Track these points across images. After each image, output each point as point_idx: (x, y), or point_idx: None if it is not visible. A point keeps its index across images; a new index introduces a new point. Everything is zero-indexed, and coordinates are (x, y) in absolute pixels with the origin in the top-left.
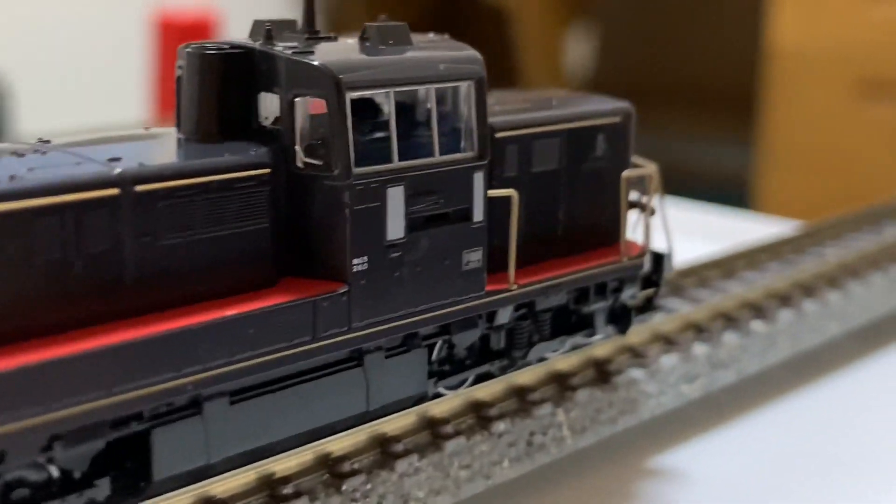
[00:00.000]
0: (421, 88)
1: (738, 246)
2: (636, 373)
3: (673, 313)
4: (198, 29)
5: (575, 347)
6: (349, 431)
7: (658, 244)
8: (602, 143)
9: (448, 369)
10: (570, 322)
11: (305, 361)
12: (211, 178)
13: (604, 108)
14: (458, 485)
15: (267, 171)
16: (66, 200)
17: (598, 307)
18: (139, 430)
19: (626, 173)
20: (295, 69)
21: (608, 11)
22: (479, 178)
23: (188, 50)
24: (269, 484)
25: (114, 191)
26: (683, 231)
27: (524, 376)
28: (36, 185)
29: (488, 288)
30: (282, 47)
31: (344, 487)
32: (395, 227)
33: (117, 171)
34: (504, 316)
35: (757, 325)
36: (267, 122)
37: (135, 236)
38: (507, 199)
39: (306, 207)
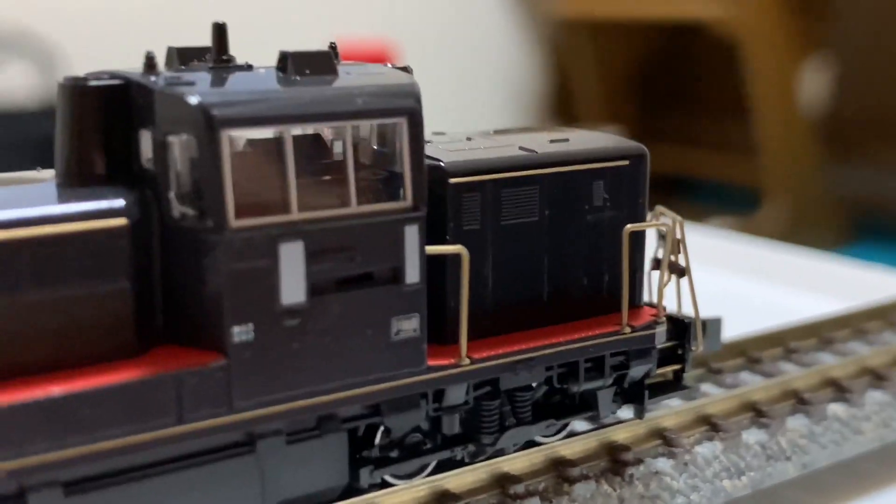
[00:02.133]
0: (330, 125)
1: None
2: (662, 463)
3: (730, 391)
4: (374, 59)
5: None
6: None
7: (688, 311)
8: (601, 190)
9: (396, 455)
10: (565, 403)
11: (171, 447)
12: (44, 231)
13: (604, 149)
14: None
15: (123, 221)
16: None
17: (597, 386)
18: None
19: (628, 227)
20: (166, 103)
21: (847, 43)
22: (412, 232)
23: (60, 82)
24: None
25: None
26: None
27: (512, 463)
28: None
29: (431, 362)
30: (162, 78)
31: None
32: (293, 290)
33: None
34: (455, 396)
35: (836, 409)
36: (149, 165)
37: None
38: (457, 256)
39: (181, 265)
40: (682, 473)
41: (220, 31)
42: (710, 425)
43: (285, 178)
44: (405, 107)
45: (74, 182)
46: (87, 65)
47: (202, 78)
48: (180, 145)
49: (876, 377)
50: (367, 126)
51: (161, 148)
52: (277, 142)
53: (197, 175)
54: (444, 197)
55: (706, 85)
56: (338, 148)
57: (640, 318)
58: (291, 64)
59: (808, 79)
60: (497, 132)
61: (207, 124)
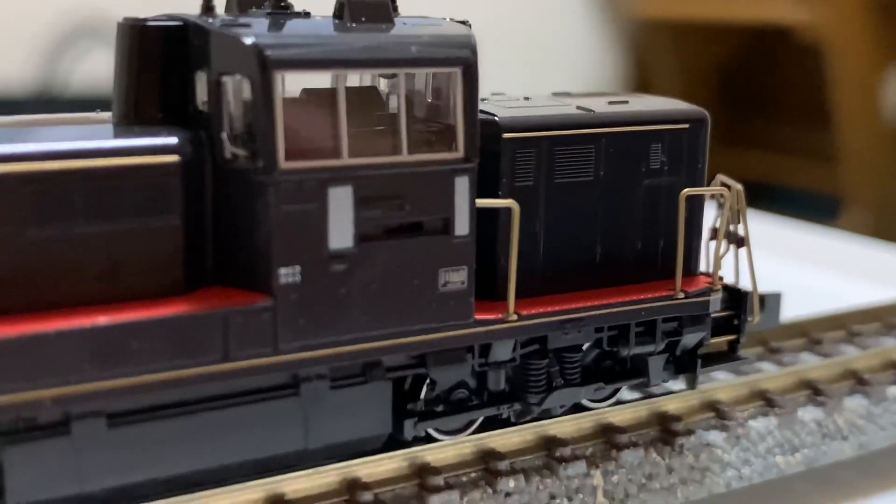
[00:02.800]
0: (383, 72)
1: None
2: (713, 436)
3: (788, 367)
4: None
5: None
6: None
7: (746, 281)
8: (660, 153)
9: (441, 410)
10: (615, 368)
11: (216, 385)
12: (97, 164)
13: (663, 111)
14: None
15: (175, 158)
16: None
17: (648, 351)
18: None
19: (685, 191)
20: (221, 44)
21: None
22: (462, 183)
23: (119, 22)
24: None
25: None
26: None
27: (560, 426)
28: None
29: (478, 316)
30: (219, 20)
31: None
32: (341, 235)
33: None
34: (502, 352)
35: None
36: (204, 106)
37: None
38: (508, 211)
39: (232, 206)
40: (733, 447)
41: None
42: (766, 400)
43: (337, 123)
44: (460, 56)
45: (130, 122)
46: None
47: (259, 22)
48: (234, 86)
49: None
50: (421, 75)
51: (215, 88)
52: (331, 88)
53: (249, 116)
54: (498, 152)
55: (788, 90)
56: (393, 101)
57: (694, 285)
58: (348, 11)
59: (893, 86)
60: (556, 94)
61: (261, 65)
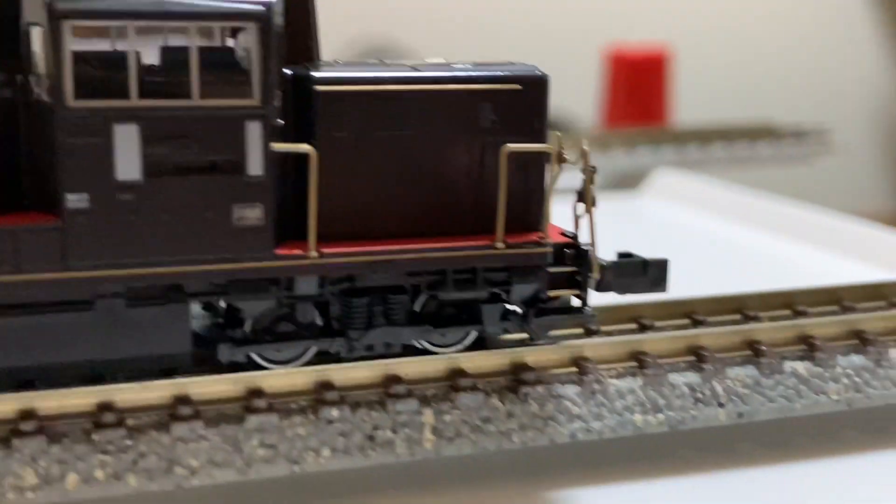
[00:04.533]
0: (175, 24)
1: None
2: (567, 389)
3: (674, 332)
4: (649, 63)
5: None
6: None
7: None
8: (490, 112)
9: (265, 339)
10: (451, 314)
11: (10, 294)
12: None
13: (494, 74)
14: (249, 463)
15: None
16: None
17: (470, 298)
18: None
19: (507, 147)
20: (33, 0)
21: None
22: (255, 128)
23: None
24: None
25: None
26: None
27: (405, 366)
28: None
29: (280, 252)
30: None
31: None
32: (128, 168)
33: None
34: (306, 287)
35: (802, 367)
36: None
37: None
38: (304, 157)
39: (38, 139)
40: (587, 401)
41: None
42: (638, 362)
43: (126, 68)
44: (254, 12)
45: None
46: None
47: None
48: (39, 35)
49: (860, 342)
50: (216, 28)
51: (25, 37)
52: (122, 36)
53: (47, 61)
54: (311, 104)
55: None
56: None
57: (523, 240)
58: None
59: None
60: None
61: (50, 14)
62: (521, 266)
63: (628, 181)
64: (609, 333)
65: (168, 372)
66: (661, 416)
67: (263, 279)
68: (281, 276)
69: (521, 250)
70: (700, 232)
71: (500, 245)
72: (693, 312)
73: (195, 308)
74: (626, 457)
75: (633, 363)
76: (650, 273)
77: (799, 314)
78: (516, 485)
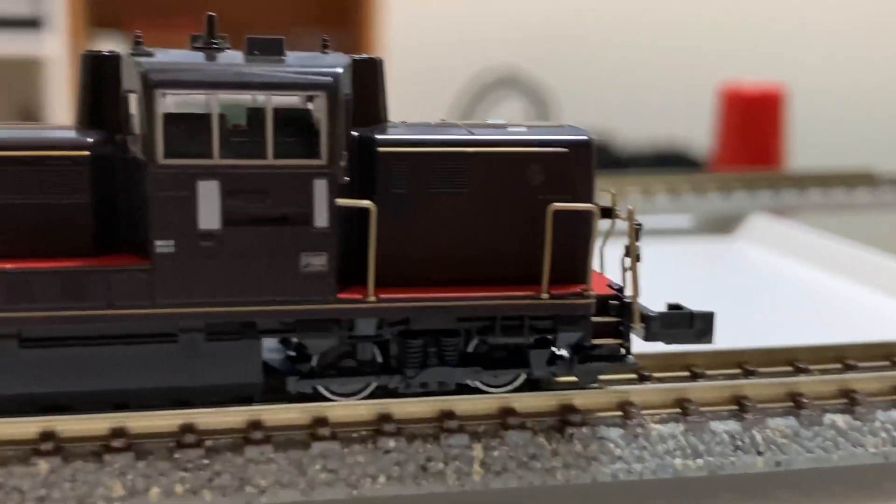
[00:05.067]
0: (253, 95)
1: None
2: (610, 432)
3: (716, 382)
4: (764, 102)
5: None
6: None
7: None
8: (538, 173)
9: (330, 373)
10: (500, 357)
11: (103, 326)
12: (21, 153)
13: (541, 138)
14: (312, 485)
15: (85, 152)
16: None
17: (516, 343)
18: None
19: (553, 205)
20: (128, 69)
21: None
22: (321, 185)
23: (82, 53)
24: None
25: None
26: None
27: (460, 403)
28: None
29: (342, 296)
30: (136, 52)
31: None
32: (209, 218)
33: None
34: (365, 327)
35: (841, 419)
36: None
37: None
38: (365, 212)
39: (133, 191)
40: (629, 444)
41: (210, 20)
42: (682, 409)
43: (210, 131)
44: (323, 83)
45: (84, 126)
46: (571, 102)
47: (167, 53)
48: (134, 100)
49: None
50: (288, 98)
51: (123, 102)
52: (208, 105)
53: (141, 124)
54: (373, 164)
55: None
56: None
57: (566, 291)
58: (247, 46)
59: None
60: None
61: (144, 84)
62: (565, 315)
63: (723, 225)
64: (661, 380)
65: (243, 400)
66: (700, 462)
67: (326, 320)
68: (342, 317)
69: (564, 301)
70: (792, 279)
71: (545, 296)
72: (744, 363)
73: (272, 343)
74: (667, 498)
75: (677, 410)
76: (696, 325)
77: (849, 368)
78: None
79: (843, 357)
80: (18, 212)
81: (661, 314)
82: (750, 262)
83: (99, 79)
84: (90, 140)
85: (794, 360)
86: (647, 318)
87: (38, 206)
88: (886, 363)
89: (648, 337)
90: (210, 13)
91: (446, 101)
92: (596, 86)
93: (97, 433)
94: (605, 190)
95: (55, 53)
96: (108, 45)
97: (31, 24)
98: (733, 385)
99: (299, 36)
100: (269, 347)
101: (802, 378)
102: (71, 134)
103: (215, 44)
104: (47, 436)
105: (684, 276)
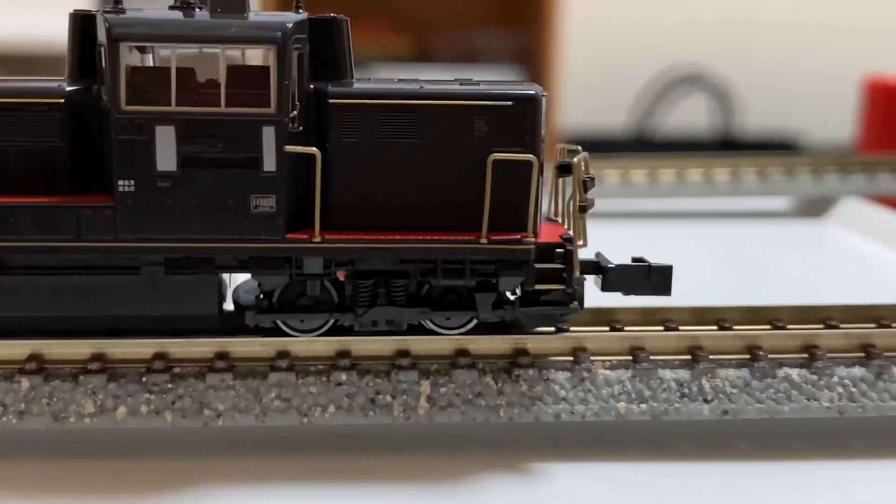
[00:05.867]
0: (208, 47)
1: None
2: (558, 375)
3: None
4: None
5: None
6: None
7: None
8: (483, 125)
9: (288, 309)
10: (449, 299)
11: (70, 257)
12: (3, 101)
13: (490, 91)
14: (266, 412)
15: (60, 100)
16: None
17: (457, 285)
18: None
19: (493, 156)
20: (101, 25)
21: None
22: (269, 132)
23: (71, 13)
24: None
25: None
26: None
27: (416, 343)
28: None
29: (290, 236)
30: (107, 10)
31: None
32: (166, 161)
33: None
34: (313, 266)
35: (792, 372)
36: None
37: None
38: (312, 157)
39: (104, 136)
40: (574, 387)
41: None
42: (633, 356)
43: (169, 81)
44: (273, 37)
45: (72, 79)
46: (753, 98)
47: (139, 10)
48: (103, 52)
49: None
50: (240, 51)
51: (98, 55)
52: (165, 54)
53: (107, 74)
54: (326, 114)
55: None
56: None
57: (507, 237)
58: (211, 4)
59: None
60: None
61: (109, 37)
62: (505, 259)
63: (815, 208)
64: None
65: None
66: (643, 406)
67: (277, 258)
68: (290, 255)
69: (502, 246)
70: (879, 265)
71: (483, 241)
72: (723, 320)
73: (252, 284)
74: (612, 441)
75: (629, 357)
76: (654, 277)
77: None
78: (499, 455)
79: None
80: (2, 154)
81: (618, 266)
82: (839, 246)
83: (83, 35)
84: (67, 89)
85: (827, 318)
86: (604, 270)
87: (21, 149)
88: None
89: (605, 287)
90: None
91: (627, 98)
92: (781, 84)
93: (78, 357)
94: (569, 147)
95: None
96: None
97: None
98: (690, 335)
99: (482, 34)
100: (248, 288)
101: (763, 331)
102: (51, 84)
103: (190, 4)
104: (33, 357)
105: (771, 257)
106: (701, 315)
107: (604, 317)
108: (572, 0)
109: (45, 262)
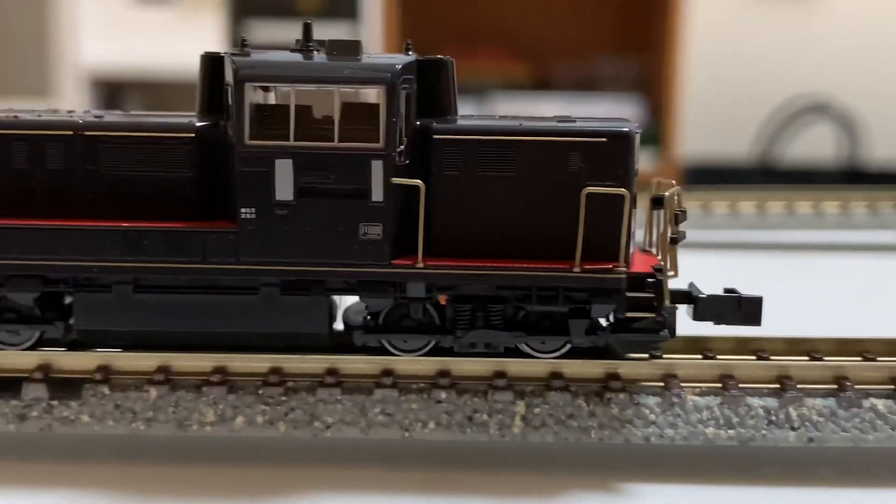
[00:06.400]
0: (322, 87)
1: None
2: (648, 400)
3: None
4: None
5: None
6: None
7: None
8: (578, 160)
9: (384, 327)
10: (544, 325)
11: (197, 278)
12: (140, 135)
13: (584, 128)
14: (370, 425)
15: (190, 135)
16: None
17: (550, 311)
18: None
19: (586, 189)
20: (228, 66)
21: None
22: (377, 165)
23: (202, 55)
24: None
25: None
26: None
27: (514, 365)
28: None
29: (395, 262)
30: (234, 53)
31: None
32: (284, 190)
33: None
34: (415, 290)
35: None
36: None
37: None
38: (416, 189)
39: (228, 168)
40: (664, 411)
41: (306, 27)
42: (722, 383)
43: (288, 118)
44: (383, 79)
45: (203, 115)
46: (881, 128)
47: (263, 53)
48: (229, 91)
49: None
50: (353, 90)
51: (224, 93)
52: (284, 92)
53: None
54: (430, 148)
55: None
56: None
57: (599, 266)
58: (326, 47)
59: None
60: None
61: (236, 77)
62: (597, 288)
63: None
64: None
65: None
66: (731, 432)
67: (382, 282)
68: (395, 280)
69: (594, 275)
70: None
71: (576, 269)
72: (814, 350)
73: (361, 306)
74: (699, 464)
75: (718, 384)
76: (744, 308)
77: None
78: (589, 474)
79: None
80: (137, 182)
81: (709, 296)
82: None
83: (212, 75)
84: (197, 125)
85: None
86: (695, 299)
87: (154, 178)
88: None
89: (696, 316)
90: (307, 21)
91: (750, 128)
92: None
93: (201, 369)
94: (665, 181)
95: None
96: None
97: None
98: (779, 365)
99: (602, 62)
100: (357, 310)
101: (851, 363)
102: (183, 120)
103: (310, 47)
104: (161, 369)
105: (876, 290)
106: (793, 345)
107: (697, 345)
108: (694, 27)
109: (173, 282)
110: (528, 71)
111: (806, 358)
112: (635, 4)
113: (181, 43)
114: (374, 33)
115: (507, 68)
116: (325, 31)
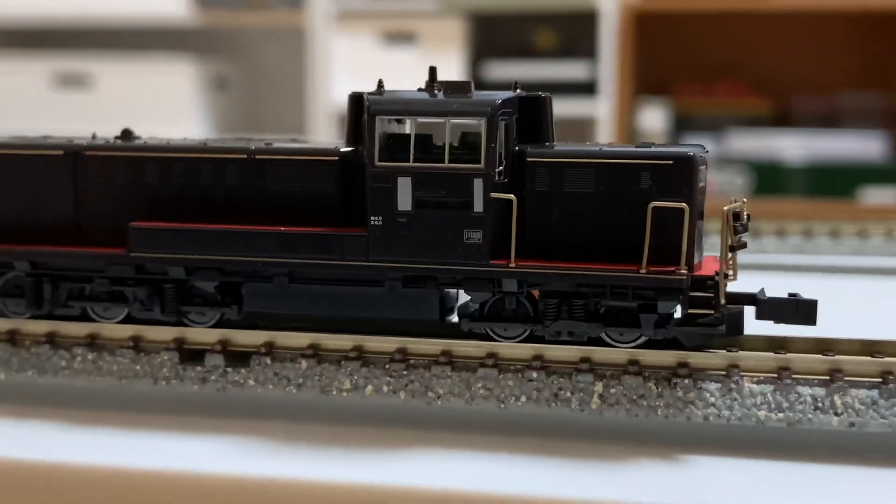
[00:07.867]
0: (437, 120)
1: None
2: (710, 385)
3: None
4: None
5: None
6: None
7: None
8: (648, 179)
9: (486, 315)
10: (620, 318)
11: (337, 272)
12: (296, 158)
13: (653, 151)
14: (473, 397)
15: (335, 158)
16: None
17: (622, 307)
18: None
19: (652, 203)
20: (365, 102)
21: None
22: (479, 183)
23: (349, 94)
24: None
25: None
26: None
27: (599, 353)
28: None
29: (493, 262)
30: (371, 92)
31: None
32: (404, 203)
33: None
34: (509, 286)
35: None
36: None
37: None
38: (510, 202)
39: (361, 184)
40: (723, 395)
41: (432, 71)
42: (778, 374)
43: (409, 144)
44: (483, 112)
45: (345, 144)
46: None
47: (394, 92)
48: (365, 123)
49: None
50: (460, 122)
51: (362, 125)
52: (408, 126)
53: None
54: (523, 169)
55: None
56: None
57: (663, 269)
58: (443, 87)
59: None
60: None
61: (369, 112)
62: (661, 287)
63: None
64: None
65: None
66: (780, 415)
67: (482, 278)
68: (492, 276)
69: (657, 276)
70: None
71: (642, 271)
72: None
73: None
74: (750, 442)
75: (774, 374)
76: (801, 310)
77: None
78: (655, 446)
79: None
80: (293, 195)
81: (770, 298)
82: None
83: (356, 109)
84: (341, 150)
85: None
86: (758, 301)
87: (306, 192)
88: None
89: (759, 316)
90: (432, 66)
91: None
92: None
93: (342, 347)
94: (737, 199)
95: (605, 114)
96: (651, 108)
97: (587, 88)
98: (832, 360)
99: (845, 97)
100: (468, 304)
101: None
102: (330, 146)
103: (434, 87)
104: (311, 346)
105: None
106: (864, 347)
107: (774, 344)
108: None
109: (320, 275)
110: (768, 106)
111: (857, 355)
112: (879, 38)
113: (423, 82)
114: (610, 71)
115: (746, 104)
116: (561, 69)
